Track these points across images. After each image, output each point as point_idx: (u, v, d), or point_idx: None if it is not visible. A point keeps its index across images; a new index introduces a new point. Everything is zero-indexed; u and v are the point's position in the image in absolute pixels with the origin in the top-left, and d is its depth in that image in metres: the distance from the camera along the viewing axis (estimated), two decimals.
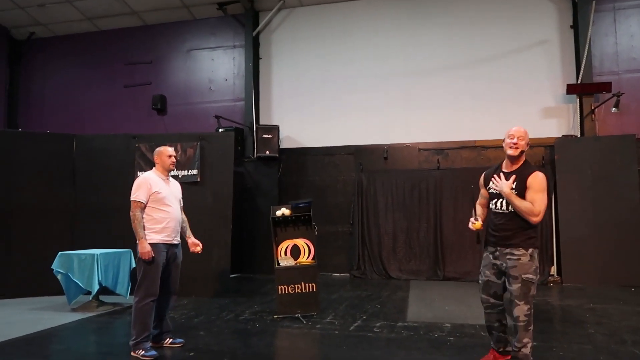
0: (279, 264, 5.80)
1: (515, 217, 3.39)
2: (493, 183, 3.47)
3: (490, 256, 3.54)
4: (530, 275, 3.32)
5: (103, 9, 10.50)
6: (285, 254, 5.91)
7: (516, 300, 3.33)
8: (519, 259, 3.34)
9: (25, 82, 11.75)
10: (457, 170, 8.88)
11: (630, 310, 5.92)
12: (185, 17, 10.79)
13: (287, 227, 6.01)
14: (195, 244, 4.57)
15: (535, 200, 3.32)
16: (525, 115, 8.86)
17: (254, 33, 10.28)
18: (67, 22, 11.04)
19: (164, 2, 10.23)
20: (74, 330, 5.18)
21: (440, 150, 9.22)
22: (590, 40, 8.67)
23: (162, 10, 10.54)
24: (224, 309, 6.03)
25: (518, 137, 3.45)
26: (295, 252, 5.93)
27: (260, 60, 10.40)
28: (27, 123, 11.45)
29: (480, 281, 3.66)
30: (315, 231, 5.94)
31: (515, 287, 3.34)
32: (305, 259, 5.89)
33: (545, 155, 8.60)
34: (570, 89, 8.58)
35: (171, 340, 4.39)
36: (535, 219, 3.31)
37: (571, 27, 9.00)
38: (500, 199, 3.47)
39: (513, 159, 3.49)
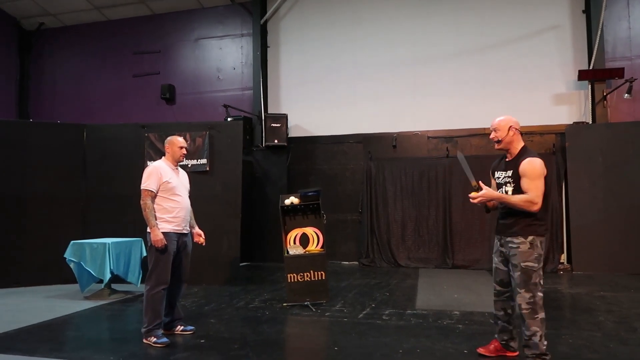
0: (288, 252, 5.83)
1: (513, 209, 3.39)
2: (472, 201, 3.45)
3: (498, 243, 3.57)
4: (530, 263, 3.30)
5: None
6: (295, 243, 5.94)
7: (517, 289, 3.35)
8: (518, 247, 3.34)
9: (35, 73, 11.83)
10: (467, 158, 8.73)
11: None
12: (193, 5, 10.77)
13: (296, 215, 6.03)
14: (199, 234, 4.59)
15: (530, 188, 3.27)
16: (535, 102, 8.77)
17: (262, 21, 10.23)
18: (76, 11, 11.08)
19: None
20: (88, 317, 5.26)
21: (449, 138, 9.17)
22: (602, 25, 8.53)
23: None
24: (234, 297, 6.09)
25: (494, 130, 3.52)
26: (305, 240, 5.96)
27: (268, 49, 10.36)
28: (37, 113, 11.55)
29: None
30: (324, 220, 5.97)
31: (516, 275, 3.35)
32: (314, 247, 5.92)
33: (555, 143, 8.52)
34: (582, 75, 8.47)
35: (182, 327, 4.45)
36: (535, 208, 3.26)
37: (583, 11, 8.85)
38: (504, 188, 3.46)
39: (504, 150, 3.53)
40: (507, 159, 3.53)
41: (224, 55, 10.72)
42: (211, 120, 9.10)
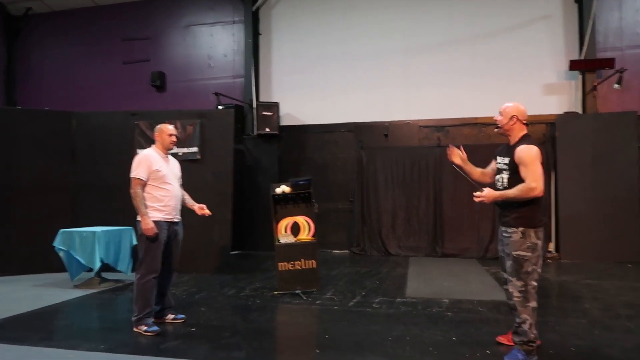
0: (279, 241, 5.84)
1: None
2: (476, 200, 3.46)
3: (500, 233, 3.61)
4: (521, 253, 3.33)
5: None
6: (286, 231, 5.95)
7: (509, 277, 3.40)
8: (510, 237, 3.38)
9: (22, 59, 11.65)
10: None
11: (626, 285, 5.99)
12: None
13: (287, 204, 6.03)
14: (201, 207, 4.59)
15: (528, 175, 3.29)
16: (526, 92, 8.79)
17: (254, 8, 10.13)
18: None
19: None
20: (77, 306, 5.25)
21: (440, 127, 9.19)
22: (594, 15, 8.55)
23: None
24: (225, 285, 6.10)
25: (499, 113, 3.57)
26: (296, 229, 5.96)
27: (259, 36, 10.28)
28: (25, 100, 11.39)
29: None
30: (315, 208, 5.97)
31: (508, 264, 3.41)
32: (305, 236, 5.93)
33: (546, 132, 8.58)
34: (573, 65, 8.49)
35: (173, 316, 4.46)
36: (535, 192, 3.25)
37: (575, 1, 8.85)
38: (501, 174, 3.50)
39: (504, 136, 3.58)
40: (509, 146, 3.56)
41: (215, 43, 10.62)
42: (202, 108, 9.03)
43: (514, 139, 3.51)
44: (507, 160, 3.46)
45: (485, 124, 8.93)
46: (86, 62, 11.23)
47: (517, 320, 3.36)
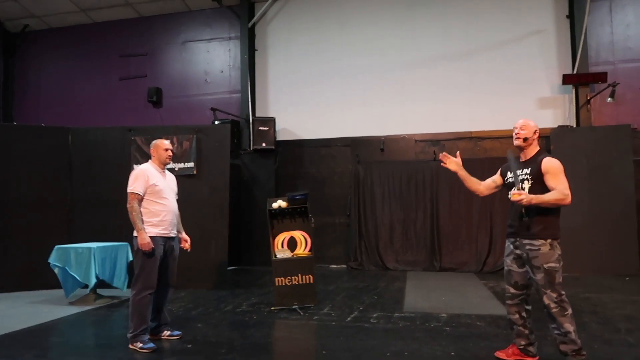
0: (275, 256, 5.82)
1: (534, 207, 3.38)
2: (513, 195, 3.39)
3: (512, 246, 3.57)
4: (552, 264, 3.34)
5: (97, 1, 10.44)
6: (282, 246, 5.93)
7: (542, 289, 3.37)
8: (539, 249, 3.37)
9: (20, 75, 11.69)
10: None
11: (624, 299, 5.98)
12: (180, 8, 10.73)
13: (284, 219, 6.02)
14: (185, 240, 4.57)
15: (558, 183, 3.34)
16: (521, 106, 8.88)
17: (250, 24, 10.23)
18: (61, 14, 10.97)
19: None
20: (72, 323, 5.19)
21: (436, 141, 9.23)
22: (586, 30, 8.67)
23: (157, 2, 10.48)
24: (222, 301, 6.06)
25: (520, 127, 3.58)
26: (292, 244, 5.95)
27: (256, 52, 10.36)
28: (22, 116, 11.41)
29: (504, 271, 3.71)
30: (311, 223, 5.96)
31: (539, 276, 3.37)
32: (302, 250, 5.92)
33: (541, 146, 8.52)
34: (567, 79, 8.59)
35: (169, 332, 4.42)
36: (567, 200, 3.31)
37: (567, 16, 8.99)
38: (521, 185, 3.46)
39: (522, 149, 3.59)
40: (522, 160, 3.59)
41: (211, 58, 10.69)
42: (198, 123, 9.06)
43: (530, 152, 3.56)
44: (528, 170, 3.48)
45: (480, 138, 8.99)
46: (83, 79, 11.27)
47: (561, 330, 3.33)
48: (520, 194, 3.35)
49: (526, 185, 3.46)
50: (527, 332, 3.59)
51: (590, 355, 3.74)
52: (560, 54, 9.02)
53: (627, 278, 7.48)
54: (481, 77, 9.22)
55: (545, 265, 3.35)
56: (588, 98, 8.63)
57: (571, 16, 8.90)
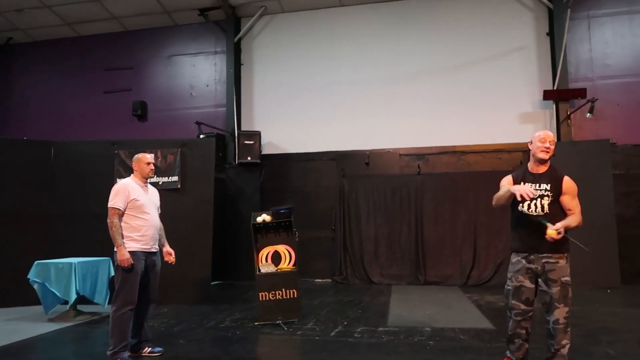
0: (259, 270, 5.78)
1: (552, 220, 3.35)
2: (550, 233, 3.28)
3: (523, 260, 3.49)
4: (567, 278, 3.39)
5: (83, 14, 10.41)
6: (267, 260, 5.90)
7: (556, 303, 3.37)
8: (557, 262, 3.40)
9: (3, 88, 11.56)
10: (438, 175, 8.97)
11: (606, 311, 6.04)
12: (166, 22, 10.76)
13: (269, 233, 6.01)
14: (169, 253, 4.52)
15: (575, 206, 3.43)
16: (503, 121, 9.02)
17: (236, 39, 10.29)
18: (46, 27, 10.91)
19: (145, 8, 10.19)
20: (52, 340, 5.09)
21: (421, 155, 9.31)
22: (565, 47, 8.87)
23: (143, 16, 10.49)
24: (205, 317, 5.99)
25: (550, 142, 3.54)
26: (277, 258, 5.92)
27: (242, 66, 10.41)
28: (5, 129, 11.26)
29: (508, 287, 3.59)
30: (296, 237, 5.95)
31: (555, 290, 3.38)
32: (286, 265, 5.89)
33: (523, 160, 8.72)
34: (547, 95, 8.75)
35: (150, 349, 4.35)
36: (581, 224, 3.40)
37: (547, 34, 9.20)
38: (540, 200, 3.44)
39: (543, 162, 3.56)
40: (534, 172, 3.57)
41: (197, 73, 10.70)
42: (184, 137, 9.02)
43: (547, 165, 3.58)
44: (547, 186, 3.47)
45: (464, 152, 9.09)
46: (68, 92, 11.19)
47: (556, 346, 3.37)
48: (559, 234, 3.27)
49: (546, 201, 3.44)
50: (527, 345, 3.61)
51: None
52: (541, 70, 9.21)
53: (609, 290, 7.56)
54: (464, 92, 9.35)
55: (562, 279, 3.38)
56: (568, 113, 8.80)
57: (551, 33, 9.12)
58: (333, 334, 5.08)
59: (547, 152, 3.52)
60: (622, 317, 5.67)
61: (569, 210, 3.42)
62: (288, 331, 5.20)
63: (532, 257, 3.46)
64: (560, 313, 3.36)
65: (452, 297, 7.33)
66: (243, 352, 4.50)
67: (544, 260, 3.42)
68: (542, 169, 3.56)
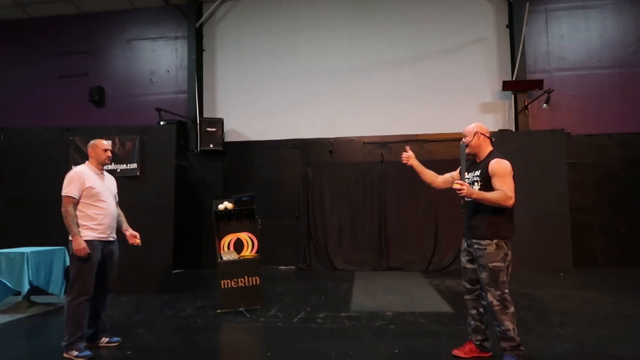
0: (221, 258, 5.73)
1: (479, 207, 3.48)
2: (457, 186, 3.43)
3: (465, 244, 3.70)
4: (497, 264, 3.44)
5: None
6: (229, 248, 5.85)
7: (487, 287, 3.48)
8: (485, 249, 3.46)
9: None
10: (400, 163, 8.95)
11: (559, 293, 6.29)
12: (125, 6, 10.41)
13: (230, 221, 5.94)
14: (133, 236, 4.40)
15: (503, 184, 3.41)
16: (464, 110, 9.20)
17: (197, 24, 10.06)
18: None
19: None
20: (3, 332, 4.89)
21: (384, 143, 9.39)
22: (524, 40, 9.10)
23: None
24: (165, 306, 5.89)
25: (464, 135, 3.70)
26: (239, 246, 5.88)
27: (204, 52, 10.20)
28: None
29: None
30: (258, 225, 5.91)
31: (484, 275, 3.48)
32: (248, 252, 5.86)
33: (494, 146, 8.92)
34: (506, 86, 8.98)
35: (107, 339, 4.25)
36: (510, 202, 3.39)
37: (507, 26, 9.41)
38: (472, 187, 3.53)
39: (474, 153, 3.68)
40: (477, 161, 3.68)
41: (157, 58, 10.42)
42: (144, 124, 8.80)
43: (482, 154, 3.64)
44: (477, 172, 3.57)
45: (426, 140, 9.23)
46: (19, 76, 10.71)
47: (501, 328, 3.45)
48: (461, 184, 3.41)
49: (476, 187, 3.53)
50: (483, 327, 3.70)
51: (525, 348, 3.90)
52: (500, 61, 9.42)
53: (562, 274, 7.87)
54: (427, 82, 9.47)
55: (490, 265, 3.45)
56: (526, 104, 9.05)
57: (511, 26, 9.33)
58: (296, 320, 5.09)
59: (465, 143, 3.65)
60: (574, 299, 5.91)
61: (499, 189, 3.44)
62: (250, 318, 5.18)
63: (469, 241, 3.64)
64: (492, 296, 3.47)
65: (413, 282, 7.47)
66: (204, 341, 4.46)
67: (475, 246, 3.54)
68: (482, 157, 3.66)
